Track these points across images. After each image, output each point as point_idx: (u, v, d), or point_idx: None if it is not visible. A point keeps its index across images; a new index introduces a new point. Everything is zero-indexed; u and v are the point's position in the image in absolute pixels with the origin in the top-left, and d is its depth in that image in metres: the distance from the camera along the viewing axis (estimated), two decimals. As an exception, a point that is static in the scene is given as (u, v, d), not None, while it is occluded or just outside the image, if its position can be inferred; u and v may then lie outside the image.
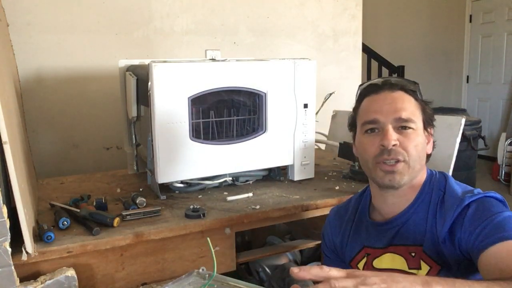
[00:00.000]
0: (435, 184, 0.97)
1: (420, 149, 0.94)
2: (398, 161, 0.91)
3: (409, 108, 0.94)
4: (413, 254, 0.94)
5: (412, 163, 0.92)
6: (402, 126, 0.93)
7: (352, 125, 1.04)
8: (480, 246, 0.81)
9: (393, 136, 0.91)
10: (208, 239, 0.98)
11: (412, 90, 0.97)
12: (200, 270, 0.94)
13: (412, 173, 0.93)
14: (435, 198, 0.95)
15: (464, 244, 0.86)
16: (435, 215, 0.92)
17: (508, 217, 0.83)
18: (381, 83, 0.99)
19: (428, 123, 0.97)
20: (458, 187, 0.95)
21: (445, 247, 0.89)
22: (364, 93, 1.01)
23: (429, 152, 0.99)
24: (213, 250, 0.91)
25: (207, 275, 0.92)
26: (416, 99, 0.97)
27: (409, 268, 0.94)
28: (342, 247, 1.09)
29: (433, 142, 1.00)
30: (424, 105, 0.98)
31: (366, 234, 1.04)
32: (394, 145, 0.91)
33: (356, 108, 1.02)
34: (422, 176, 0.98)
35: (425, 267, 0.92)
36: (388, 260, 0.98)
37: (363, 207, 1.08)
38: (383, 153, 0.92)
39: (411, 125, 0.93)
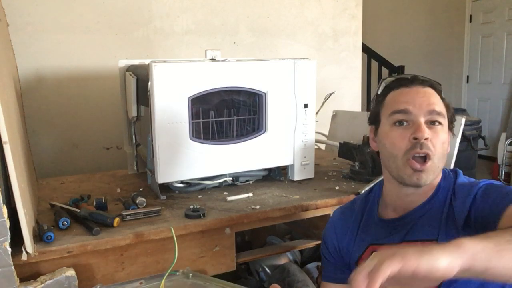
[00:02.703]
0: (451, 180, 0.98)
1: (446, 147, 0.94)
2: (426, 158, 0.91)
3: (440, 103, 0.94)
4: None
5: (437, 160, 0.92)
6: (432, 121, 0.92)
7: (374, 118, 1.02)
8: (496, 211, 0.81)
9: (426, 129, 0.91)
10: (172, 228, 1.06)
11: (439, 89, 0.98)
12: (185, 270, 0.95)
13: (436, 171, 0.93)
14: (450, 193, 0.95)
15: (480, 220, 0.85)
16: (449, 209, 0.93)
17: None
18: (410, 77, 0.98)
19: (451, 122, 0.98)
20: (466, 179, 0.97)
21: (464, 234, 0.87)
22: (392, 86, 0.99)
23: (447, 152, 0.99)
24: (175, 240, 1.00)
25: (191, 275, 0.93)
26: (442, 98, 0.97)
27: None
28: (349, 248, 1.08)
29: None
30: (448, 105, 0.98)
31: (374, 232, 1.03)
32: (426, 139, 0.90)
33: (380, 101, 1.01)
34: (440, 175, 0.99)
35: None
36: None
37: (371, 206, 1.08)
38: (415, 147, 0.91)
39: (442, 120, 0.93)
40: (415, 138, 0.90)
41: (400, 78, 1.00)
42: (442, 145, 0.92)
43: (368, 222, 1.06)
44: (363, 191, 1.37)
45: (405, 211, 0.99)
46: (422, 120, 0.92)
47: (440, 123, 0.93)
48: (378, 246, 1.01)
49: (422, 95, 0.94)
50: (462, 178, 0.97)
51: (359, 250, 1.05)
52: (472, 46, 5.33)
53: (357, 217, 1.09)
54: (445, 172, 1.00)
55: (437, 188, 0.97)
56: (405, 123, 0.93)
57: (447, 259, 0.60)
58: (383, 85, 1.03)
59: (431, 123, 0.92)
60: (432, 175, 0.92)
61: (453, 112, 0.99)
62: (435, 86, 0.97)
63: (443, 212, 0.93)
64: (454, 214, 0.91)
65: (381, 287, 0.58)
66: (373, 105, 1.04)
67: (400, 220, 0.99)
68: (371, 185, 1.38)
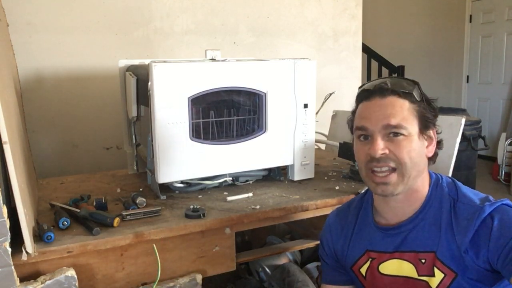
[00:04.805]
0: (444, 189, 0.95)
1: (416, 155, 0.91)
2: (390, 170, 0.90)
3: (400, 113, 0.91)
4: (423, 261, 0.92)
5: (405, 171, 0.90)
6: (392, 133, 0.90)
7: (351, 129, 1.04)
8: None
9: (380, 146, 0.90)
10: (154, 245, 1.11)
11: (407, 92, 0.93)
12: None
13: (408, 181, 0.91)
14: (447, 205, 0.93)
15: (494, 263, 0.85)
16: (450, 223, 0.91)
17: None
18: (373, 88, 0.95)
19: (426, 126, 0.93)
20: (472, 193, 0.93)
21: (467, 258, 0.87)
22: (358, 98, 1.00)
23: (429, 155, 0.96)
24: (158, 256, 1.04)
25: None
26: (412, 101, 0.92)
27: (419, 275, 0.93)
28: (343, 251, 1.08)
29: (437, 143, 0.97)
30: (422, 106, 0.93)
31: (369, 237, 1.02)
32: (383, 154, 0.90)
33: (353, 112, 1.02)
34: (424, 181, 0.96)
35: (439, 274, 0.90)
36: (395, 265, 0.97)
37: (365, 209, 1.07)
38: (372, 160, 0.92)
39: (402, 131, 0.90)
40: (370, 155, 0.92)
41: (364, 90, 0.99)
42: (408, 154, 0.90)
43: (363, 226, 1.06)
44: (362, 191, 1.37)
45: (396, 220, 0.98)
46: (378, 136, 0.91)
47: (402, 134, 0.90)
48: (376, 253, 1.01)
49: (379, 109, 0.92)
50: (467, 194, 0.93)
51: (355, 253, 1.05)
52: (472, 46, 5.33)
53: (352, 219, 1.08)
54: (437, 179, 0.98)
55: (427, 198, 0.95)
56: (369, 137, 0.94)
57: None
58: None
59: (394, 134, 0.90)
60: (401, 185, 0.91)
61: (431, 114, 0.94)
62: (400, 91, 0.92)
63: (441, 225, 0.92)
64: (455, 236, 0.89)
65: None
66: (350, 115, 1.04)
67: (394, 229, 0.98)
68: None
